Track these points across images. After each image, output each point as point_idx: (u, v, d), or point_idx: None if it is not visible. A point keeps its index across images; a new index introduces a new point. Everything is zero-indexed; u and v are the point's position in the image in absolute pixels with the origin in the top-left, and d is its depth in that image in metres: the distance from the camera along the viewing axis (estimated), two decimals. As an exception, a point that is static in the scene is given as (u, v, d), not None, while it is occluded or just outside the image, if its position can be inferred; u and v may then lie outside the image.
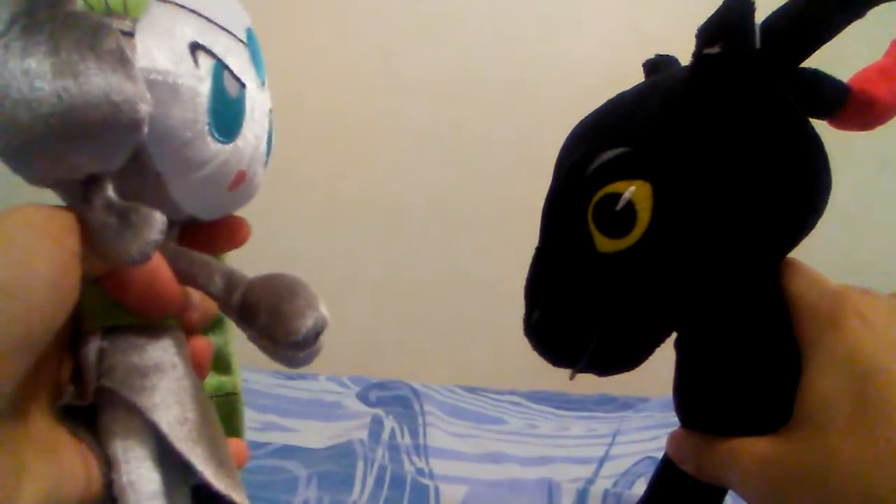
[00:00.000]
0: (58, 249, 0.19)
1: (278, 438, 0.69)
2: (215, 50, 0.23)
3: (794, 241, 0.29)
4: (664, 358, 0.32)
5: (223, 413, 0.29)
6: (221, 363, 0.30)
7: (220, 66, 0.23)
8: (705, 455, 0.29)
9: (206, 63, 0.23)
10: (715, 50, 0.26)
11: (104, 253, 0.21)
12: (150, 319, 0.23)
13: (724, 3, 0.26)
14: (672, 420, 0.33)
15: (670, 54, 0.34)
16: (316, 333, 0.24)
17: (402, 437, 0.74)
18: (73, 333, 0.23)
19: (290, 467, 0.62)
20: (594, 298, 0.29)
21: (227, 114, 0.24)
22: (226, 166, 0.24)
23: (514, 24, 1.06)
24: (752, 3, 0.26)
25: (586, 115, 0.32)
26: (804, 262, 0.29)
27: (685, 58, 0.29)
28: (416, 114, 1.07)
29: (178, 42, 0.22)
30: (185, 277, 0.24)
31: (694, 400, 0.31)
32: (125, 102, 0.20)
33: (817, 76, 0.29)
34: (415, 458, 0.69)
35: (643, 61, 0.35)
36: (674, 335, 0.31)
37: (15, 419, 0.19)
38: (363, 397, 0.85)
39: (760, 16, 0.27)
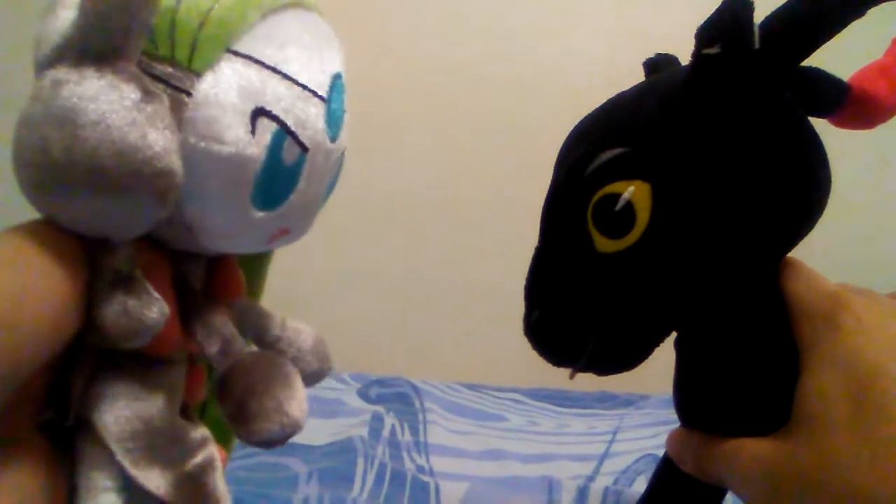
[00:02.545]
0: (64, 277, 0.19)
1: (279, 436, 0.69)
2: (283, 116, 0.21)
3: (793, 241, 0.29)
4: (664, 356, 0.32)
5: None
6: None
7: (283, 133, 0.21)
8: (704, 455, 0.29)
9: (266, 130, 0.21)
10: (714, 50, 0.26)
11: (98, 323, 0.20)
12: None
13: (723, 3, 0.26)
14: (673, 417, 0.33)
15: (670, 54, 0.34)
16: (282, 438, 0.22)
17: (403, 434, 0.74)
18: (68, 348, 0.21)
19: (291, 464, 0.62)
20: (593, 298, 0.29)
21: (275, 184, 0.22)
22: (264, 229, 0.23)
23: (514, 24, 1.06)
24: (752, 3, 0.26)
25: (586, 114, 0.32)
26: (804, 261, 0.29)
27: (685, 58, 0.29)
28: (415, 112, 1.06)
29: (239, 108, 0.20)
30: (187, 327, 0.23)
31: (693, 400, 0.31)
32: (149, 169, 0.18)
33: (817, 75, 0.29)
34: (415, 456, 0.69)
35: (643, 61, 0.35)
36: (673, 335, 0.31)
37: None
38: (363, 394, 0.85)
39: (760, 16, 0.27)
